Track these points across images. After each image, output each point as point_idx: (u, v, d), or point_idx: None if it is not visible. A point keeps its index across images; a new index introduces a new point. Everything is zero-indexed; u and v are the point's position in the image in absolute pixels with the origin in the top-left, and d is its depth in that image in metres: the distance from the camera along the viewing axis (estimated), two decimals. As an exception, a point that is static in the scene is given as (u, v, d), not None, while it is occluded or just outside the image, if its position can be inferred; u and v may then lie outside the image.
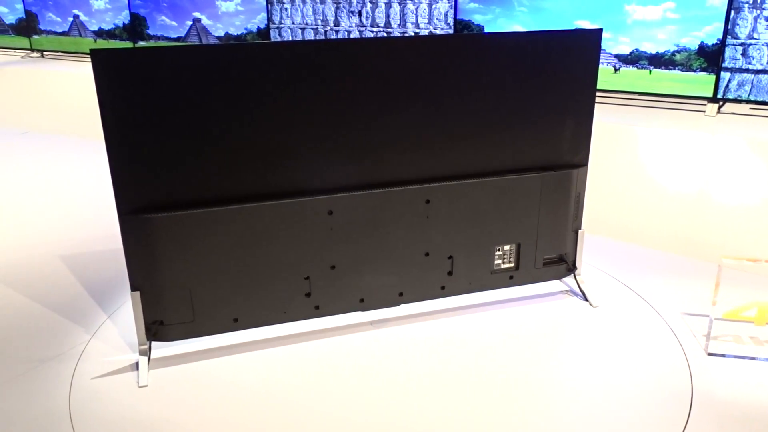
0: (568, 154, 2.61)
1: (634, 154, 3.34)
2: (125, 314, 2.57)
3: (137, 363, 2.28)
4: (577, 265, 2.75)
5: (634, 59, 3.68)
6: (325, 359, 2.35)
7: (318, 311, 2.48)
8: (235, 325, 2.40)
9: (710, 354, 2.32)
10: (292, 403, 2.12)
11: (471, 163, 2.49)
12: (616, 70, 3.72)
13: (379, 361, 2.33)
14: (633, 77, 3.72)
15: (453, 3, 4.22)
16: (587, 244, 2.81)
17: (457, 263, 2.58)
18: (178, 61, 2.08)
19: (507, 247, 2.65)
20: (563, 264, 2.75)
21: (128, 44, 6.33)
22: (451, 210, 2.50)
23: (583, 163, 2.64)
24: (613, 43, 3.72)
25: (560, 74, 2.50)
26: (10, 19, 7.53)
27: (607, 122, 3.38)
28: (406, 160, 2.41)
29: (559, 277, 2.79)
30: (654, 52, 3.62)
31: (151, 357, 2.31)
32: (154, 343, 2.35)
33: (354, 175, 2.36)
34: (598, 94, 2.65)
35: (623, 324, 2.54)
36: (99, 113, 2.03)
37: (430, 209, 2.47)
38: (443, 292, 2.62)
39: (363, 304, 2.53)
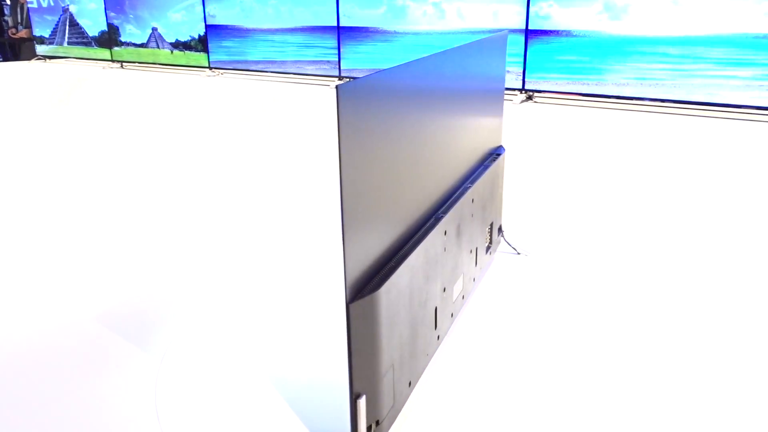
0: (497, 139, 3.11)
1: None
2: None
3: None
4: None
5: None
6: (462, 375, 2.27)
7: (438, 341, 2.32)
8: (409, 389, 2.05)
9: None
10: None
11: (475, 160, 2.73)
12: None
13: (503, 357, 2.41)
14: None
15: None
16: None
17: (478, 252, 2.79)
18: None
19: (488, 228, 2.99)
20: (500, 230, 3.26)
21: (203, 56, 7.01)
22: (482, 203, 2.69)
23: (501, 144, 3.19)
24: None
25: (486, 73, 2.95)
26: (93, 32, 8.65)
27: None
28: (456, 162, 2.48)
29: (499, 241, 3.28)
30: None
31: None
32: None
33: (450, 183, 2.32)
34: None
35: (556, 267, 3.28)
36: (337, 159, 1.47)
37: (474, 207, 2.61)
38: (474, 282, 2.78)
39: (452, 318, 2.48)
